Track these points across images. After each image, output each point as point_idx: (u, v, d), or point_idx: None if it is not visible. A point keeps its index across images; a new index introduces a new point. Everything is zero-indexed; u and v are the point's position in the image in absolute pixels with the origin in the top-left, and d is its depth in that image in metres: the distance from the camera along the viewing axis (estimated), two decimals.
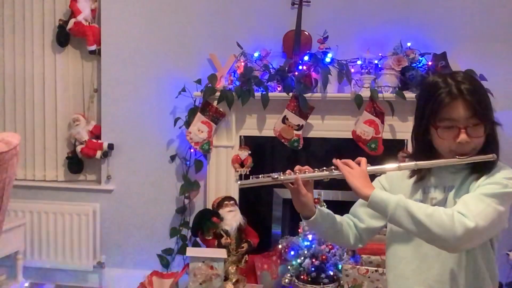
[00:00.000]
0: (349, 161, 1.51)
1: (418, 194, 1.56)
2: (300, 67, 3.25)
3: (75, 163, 3.77)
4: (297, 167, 1.55)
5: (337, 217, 1.65)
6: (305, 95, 3.21)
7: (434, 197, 1.52)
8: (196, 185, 3.53)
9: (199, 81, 3.40)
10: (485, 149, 1.47)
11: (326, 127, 3.37)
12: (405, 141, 3.24)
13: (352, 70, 3.25)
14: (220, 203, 3.31)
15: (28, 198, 3.75)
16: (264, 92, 3.26)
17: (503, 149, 1.52)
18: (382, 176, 1.66)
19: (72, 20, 3.61)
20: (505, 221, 1.41)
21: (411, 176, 1.58)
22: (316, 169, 1.54)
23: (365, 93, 3.18)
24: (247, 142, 3.46)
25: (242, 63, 3.35)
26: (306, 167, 1.55)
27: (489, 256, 1.49)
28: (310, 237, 3.05)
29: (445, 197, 1.50)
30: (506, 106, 3.03)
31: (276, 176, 1.52)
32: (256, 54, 3.37)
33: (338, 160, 1.52)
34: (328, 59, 3.24)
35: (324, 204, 3.03)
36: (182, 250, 3.48)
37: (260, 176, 1.54)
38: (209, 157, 3.48)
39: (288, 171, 1.53)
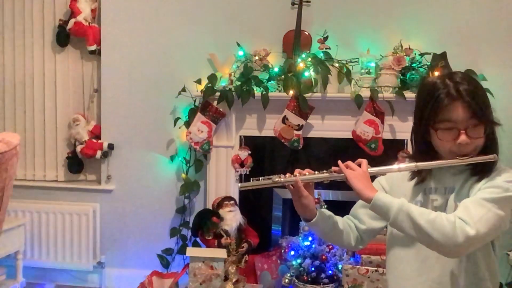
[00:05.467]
0: (350, 163, 1.51)
1: (419, 196, 1.55)
2: (300, 67, 3.25)
3: (75, 163, 3.76)
4: (297, 171, 1.55)
5: (338, 218, 1.65)
6: (305, 95, 3.21)
7: (435, 199, 1.52)
8: (196, 185, 3.53)
9: (199, 81, 3.40)
10: (485, 149, 1.46)
11: (326, 127, 3.36)
12: (405, 141, 3.24)
13: (352, 70, 3.25)
14: (220, 203, 3.31)
15: (28, 198, 3.75)
16: (264, 92, 3.26)
17: (503, 149, 1.52)
18: (382, 177, 1.66)
19: (72, 20, 3.61)
20: (506, 224, 1.41)
21: (412, 178, 1.57)
22: (316, 171, 1.54)
23: (365, 93, 3.18)
24: (247, 142, 3.45)
25: (242, 63, 3.35)
26: (307, 170, 1.55)
27: (489, 257, 1.48)
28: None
29: (446, 199, 1.50)
30: (506, 106, 3.03)
31: (276, 179, 1.51)
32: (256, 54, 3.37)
33: (340, 162, 1.52)
34: (328, 59, 3.24)
35: (324, 204, 3.04)
36: (182, 250, 3.48)
37: (260, 178, 1.54)
38: (209, 157, 3.48)
39: (288, 174, 1.53)
